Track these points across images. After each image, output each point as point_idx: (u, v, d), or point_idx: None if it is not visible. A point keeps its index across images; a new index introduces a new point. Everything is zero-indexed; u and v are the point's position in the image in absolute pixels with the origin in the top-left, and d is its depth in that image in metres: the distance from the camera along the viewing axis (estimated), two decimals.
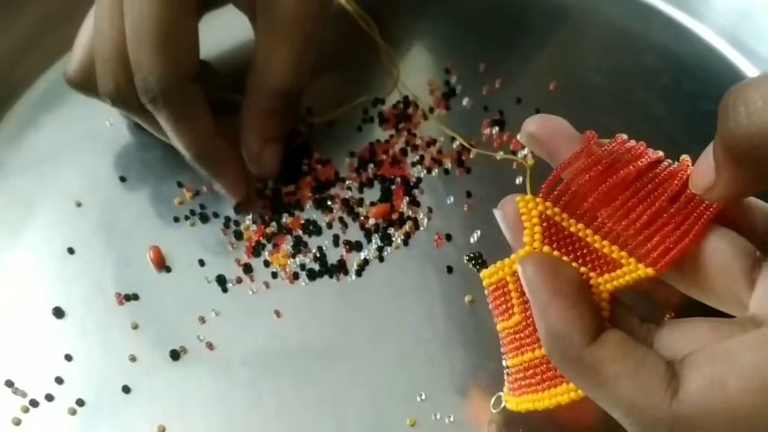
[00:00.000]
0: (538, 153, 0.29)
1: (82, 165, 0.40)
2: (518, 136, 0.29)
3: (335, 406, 0.33)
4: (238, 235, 0.38)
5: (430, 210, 0.38)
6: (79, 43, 0.36)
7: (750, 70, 0.42)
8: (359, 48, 0.43)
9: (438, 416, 0.33)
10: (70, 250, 0.38)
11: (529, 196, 0.27)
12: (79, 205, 0.39)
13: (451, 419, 0.33)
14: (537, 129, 0.28)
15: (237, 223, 0.38)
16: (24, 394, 0.34)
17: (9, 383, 0.34)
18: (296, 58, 0.36)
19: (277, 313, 0.36)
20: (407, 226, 0.38)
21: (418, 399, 0.33)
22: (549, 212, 0.26)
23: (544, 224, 0.26)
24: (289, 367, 0.34)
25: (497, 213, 0.28)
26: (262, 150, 0.37)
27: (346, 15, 0.44)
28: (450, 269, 0.37)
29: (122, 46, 0.34)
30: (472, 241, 0.37)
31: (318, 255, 0.37)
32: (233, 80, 0.38)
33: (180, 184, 0.39)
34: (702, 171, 0.26)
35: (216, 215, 0.38)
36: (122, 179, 0.40)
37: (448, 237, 0.37)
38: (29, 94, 0.43)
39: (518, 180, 0.39)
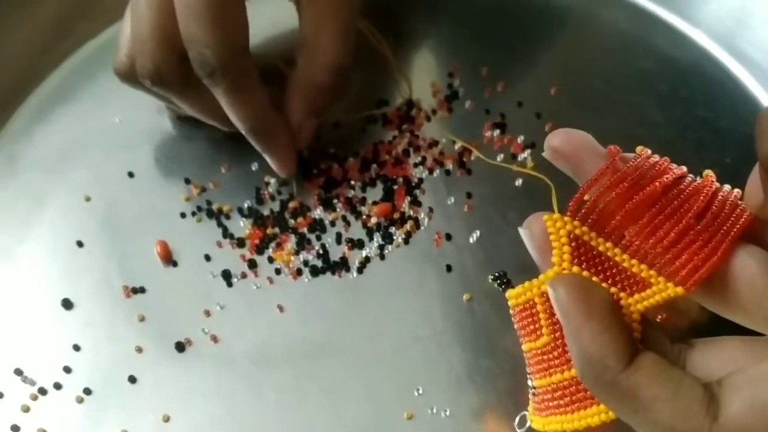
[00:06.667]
0: (561, 168, 0.28)
1: (92, 160, 0.41)
2: (543, 153, 0.28)
3: (334, 399, 0.34)
4: (241, 243, 0.38)
5: (431, 210, 0.39)
6: (124, 35, 0.36)
7: (746, 78, 0.43)
8: (370, 57, 0.44)
9: (434, 410, 0.34)
10: (79, 244, 0.39)
11: (557, 215, 0.26)
12: (88, 199, 0.40)
13: (447, 413, 0.34)
14: (561, 143, 0.27)
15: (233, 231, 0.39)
16: (33, 383, 0.35)
17: (18, 372, 0.35)
18: (344, 33, 0.36)
19: (280, 308, 0.37)
20: (408, 226, 0.39)
21: (416, 393, 0.34)
22: (577, 231, 0.26)
23: (573, 244, 0.26)
24: (290, 361, 0.35)
25: (523, 232, 0.27)
26: (302, 123, 0.38)
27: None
28: (449, 268, 0.37)
29: (160, 26, 0.34)
30: (471, 241, 0.38)
31: (321, 252, 0.38)
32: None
33: (187, 181, 0.40)
34: (752, 190, 0.25)
35: (221, 212, 0.39)
36: (130, 175, 0.41)
37: (448, 237, 0.38)
38: (40, 91, 0.44)
39: (518, 182, 0.40)
